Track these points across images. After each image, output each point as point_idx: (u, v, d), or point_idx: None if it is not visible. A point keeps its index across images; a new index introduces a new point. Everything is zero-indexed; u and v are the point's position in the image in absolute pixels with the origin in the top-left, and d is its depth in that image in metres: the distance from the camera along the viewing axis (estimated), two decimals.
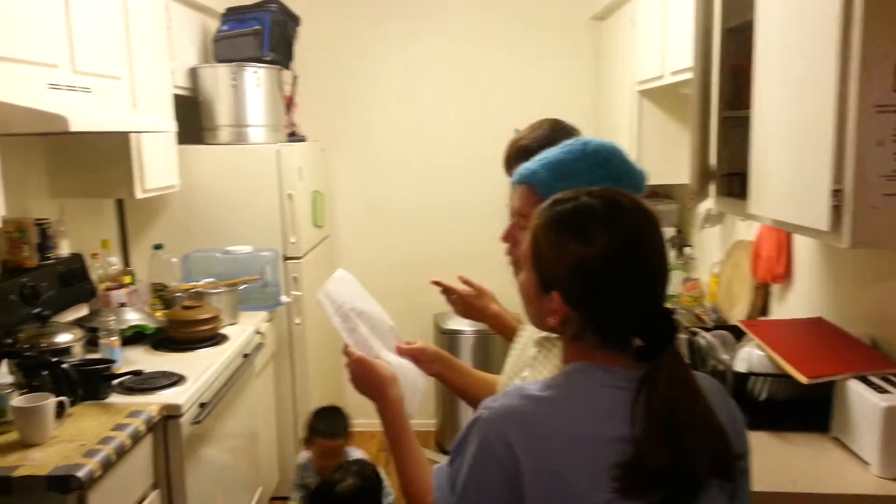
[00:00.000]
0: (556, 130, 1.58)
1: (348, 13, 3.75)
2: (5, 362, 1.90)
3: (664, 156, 2.96)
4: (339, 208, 3.89)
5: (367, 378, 1.22)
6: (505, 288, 1.81)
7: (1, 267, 2.30)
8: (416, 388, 1.29)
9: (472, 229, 3.88)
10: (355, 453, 2.77)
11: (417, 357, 1.38)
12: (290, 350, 3.09)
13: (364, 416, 3.72)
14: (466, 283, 1.74)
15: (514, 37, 3.79)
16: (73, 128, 1.83)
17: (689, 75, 2.35)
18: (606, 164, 1.16)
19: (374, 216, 3.93)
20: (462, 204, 3.88)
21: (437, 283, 1.75)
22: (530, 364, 1.24)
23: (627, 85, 3.12)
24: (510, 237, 1.24)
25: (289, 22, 3.29)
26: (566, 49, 3.80)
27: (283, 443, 3.13)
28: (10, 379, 1.80)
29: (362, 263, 3.88)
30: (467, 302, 1.73)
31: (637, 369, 0.91)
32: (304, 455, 2.78)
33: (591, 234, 0.91)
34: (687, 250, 3.18)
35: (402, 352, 1.36)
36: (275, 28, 3.12)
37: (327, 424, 2.71)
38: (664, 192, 3.44)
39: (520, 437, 0.88)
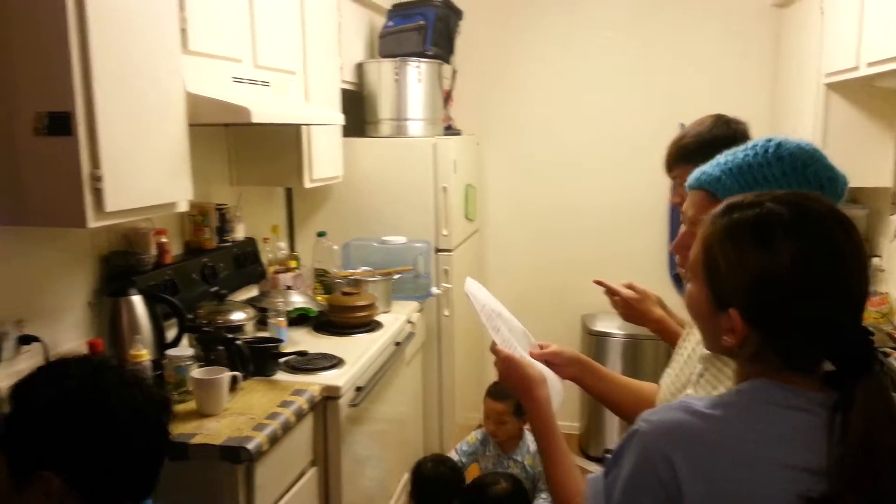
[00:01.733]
0: (718, 126, 1.46)
1: (506, 5, 3.73)
2: (187, 336, 2.07)
3: (853, 156, 2.67)
4: (490, 203, 3.89)
5: (515, 376, 1.20)
6: (661, 291, 1.73)
7: (184, 247, 2.51)
8: (556, 392, 1.25)
9: (626, 229, 3.74)
10: (531, 438, 2.79)
11: (552, 361, 1.34)
12: (439, 341, 3.13)
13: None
14: (630, 287, 1.66)
15: (681, 25, 3.58)
16: (255, 119, 1.94)
17: (892, 66, 2.09)
18: (804, 170, 1.02)
19: (524, 212, 3.89)
20: (617, 202, 3.74)
21: (599, 283, 1.68)
22: (695, 382, 1.15)
23: (813, 77, 2.84)
24: (683, 247, 1.12)
25: (451, 16, 3.32)
26: (741, 38, 3.53)
27: (428, 432, 3.18)
28: (190, 352, 1.95)
29: (510, 259, 3.86)
30: (630, 305, 1.65)
31: (822, 392, 0.82)
32: (479, 431, 2.88)
33: (776, 243, 0.82)
34: (875, 261, 2.86)
35: (535, 356, 1.32)
36: (438, 23, 3.15)
37: (496, 387, 2.77)
38: (850, 196, 3.11)
39: (683, 456, 0.82)
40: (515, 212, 3.90)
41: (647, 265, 3.68)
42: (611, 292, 1.67)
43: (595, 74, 3.71)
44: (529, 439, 2.82)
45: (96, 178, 1.62)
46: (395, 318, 2.70)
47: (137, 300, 1.96)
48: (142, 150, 1.77)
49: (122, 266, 2.09)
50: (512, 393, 1.22)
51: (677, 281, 3.54)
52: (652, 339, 3.21)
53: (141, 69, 1.75)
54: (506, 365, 1.21)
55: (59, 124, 1.59)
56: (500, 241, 3.91)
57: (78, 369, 1.00)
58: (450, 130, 3.40)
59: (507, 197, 3.89)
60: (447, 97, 3.40)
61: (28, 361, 1.80)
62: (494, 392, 2.80)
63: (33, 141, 1.63)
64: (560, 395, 1.29)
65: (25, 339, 1.80)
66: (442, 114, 3.31)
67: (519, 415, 2.77)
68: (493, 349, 1.24)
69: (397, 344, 2.59)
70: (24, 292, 1.83)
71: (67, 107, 1.58)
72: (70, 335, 1.96)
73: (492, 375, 3.09)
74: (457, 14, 3.37)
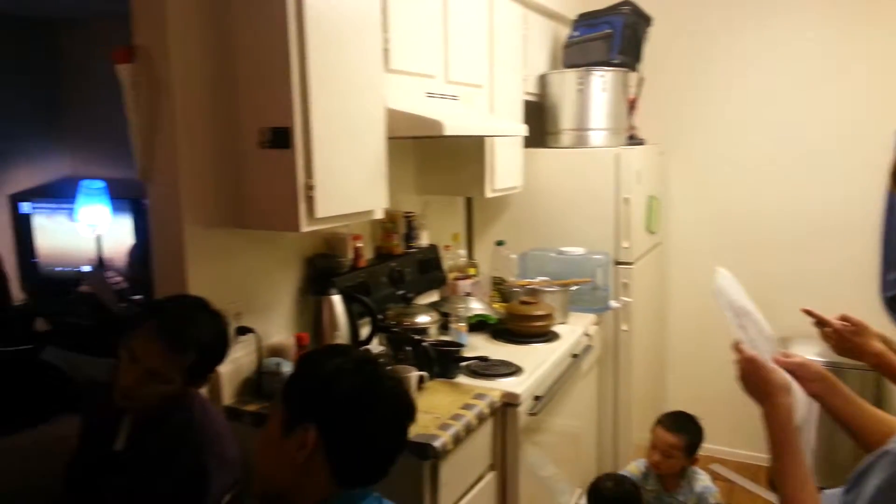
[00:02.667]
0: None
1: (698, 9, 3.57)
2: (378, 335, 2.21)
3: None
4: (673, 215, 3.73)
5: (757, 379, 1.16)
6: (868, 315, 1.56)
7: (375, 252, 2.67)
8: (799, 405, 1.17)
9: (827, 243, 3.42)
10: (701, 476, 2.66)
11: (796, 372, 1.24)
12: (615, 356, 3.06)
13: (727, 444, 3.60)
14: (844, 319, 1.52)
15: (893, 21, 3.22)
16: (446, 132, 2.03)
17: None
18: None
19: (711, 224, 3.68)
20: (817, 214, 3.43)
21: (808, 313, 1.56)
22: None
23: None
24: None
25: (640, 23, 3.24)
26: None
27: (602, 449, 3.12)
28: (381, 350, 2.08)
29: (695, 274, 3.68)
30: (843, 337, 1.51)
31: None
32: (638, 462, 2.78)
33: None
34: None
35: (780, 364, 1.23)
36: (625, 30, 3.10)
37: (673, 419, 2.67)
38: None
39: None
40: (701, 224, 3.71)
41: (852, 283, 3.33)
42: (821, 323, 1.55)
43: (793, 77, 3.43)
44: (696, 478, 2.65)
45: (309, 187, 1.78)
46: (573, 329, 2.68)
47: (337, 299, 2.12)
48: (347, 162, 1.92)
49: (323, 268, 2.27)
50: (749, 394, 1.18)
51: (891, 305, 3.17)
52: (858, 369, 2.89)
53: (349, 87, 1.91)
54: (749, 365, 1.18)
55: (280, 138, 1.77)
56: (685, 255, 3.74)
57: (356, 355, 1.18)
58: (633, 140, 3.32)
59: (693, 209, 3.72)
60: (632, 106, 3.32)
61: (244, 350, 2.02)
62: (668, 423, 2.66)
63: (257, 153, 1.83)
64: (803, 408, 1.21)
65: (242, 330, 2.02)
66: (625, 123, 3.24)
67: (690, 452, 2.63)
68: (736, 347, 1.22)
69: (574, 356, 2.56)
70: (243, 288, 2.05)
71: (288, 122, 1.76)
72: (278, 328, 2.17)
73: (669, 400, 2.97)
74: (646, 21, 3.28)
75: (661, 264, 3.66)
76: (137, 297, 3.63)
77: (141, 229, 4.48)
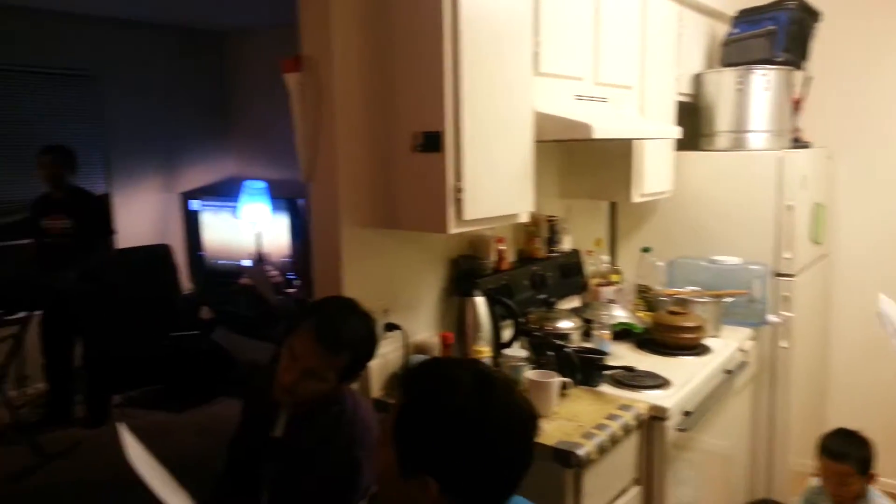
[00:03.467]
0: None
1: (870, 2, 3.24)
2: (520, 339, 2.20)
3: None
4: (842, 224, 3.42)
5: None
6: None
7: (517, 255, 2.67)
8: None
9: None
10: (876, 497, 2.42)
11: None
12: (773, 375, 2.85)
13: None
14: None
15: None
16: (596, 135, 1.98)
17: None
18: None
19: (883, 236, 3.34)
20: None
21: None
22: None
23: None
24: None
25: (807, 19, 3.00)
26: None
27: (755, 474, 2.91)
28: (523, 354, 2.07)
29: (863, 290, 3.35)
30: None
31: None
32: (817, 480, 2.56)
33: None
34: None
35: None
36: (791, 26, 2.88)
37: (836, 444, 2.44)
38: None
39: None
40: (874, 237, 3.36)
41: None
42: None
43: None
44: (876, 498, 2.41)
45: (458, 190, 1.81)
46: (726, 344, 2.53)
47: (480, 301, 2.14)
48: (495, 165, 1.93)
49: (467, 269, 2.30)
50: None
51: None
52: None
53: (499, 91, 1.92)
54: None
55: (432, 142, 1.82)
56: (853, 269, 3.41)
57: (465, 378, 1.04)
58: (798, 143, 3.08)
59: (864, 219, 3.38)
60: (797, 106, 3.08)
61: (392, 345, 2.09)
62: (833, 451, 2.41)
63: (409, 157, 1.89)
64: None
65: (389, 327, 2.09)
66: (789, 125, 3.02)
67: (864, 471, 2.39)
68: None
69: (727, 372, 2.42)
70: (391, 286, 2.12)
71: (439, 126, 1.79)
72: (423, 326, 2.22)
73: (830, 426, 2.71)
74: (813, 16, 3.04)
75: (826, 277, 3.37)
76: (291, 290, 3.87)
77: (297, 227, 4.77)
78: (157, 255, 5.00)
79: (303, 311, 1.68)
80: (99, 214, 4.07)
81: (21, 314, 3.93)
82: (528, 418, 1.08)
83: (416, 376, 1.11)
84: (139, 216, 5.07)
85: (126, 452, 1.36)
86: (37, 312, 3.90)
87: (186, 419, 4.13)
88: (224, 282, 5.03)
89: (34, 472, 3.44)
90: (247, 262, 4.87)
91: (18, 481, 3.34)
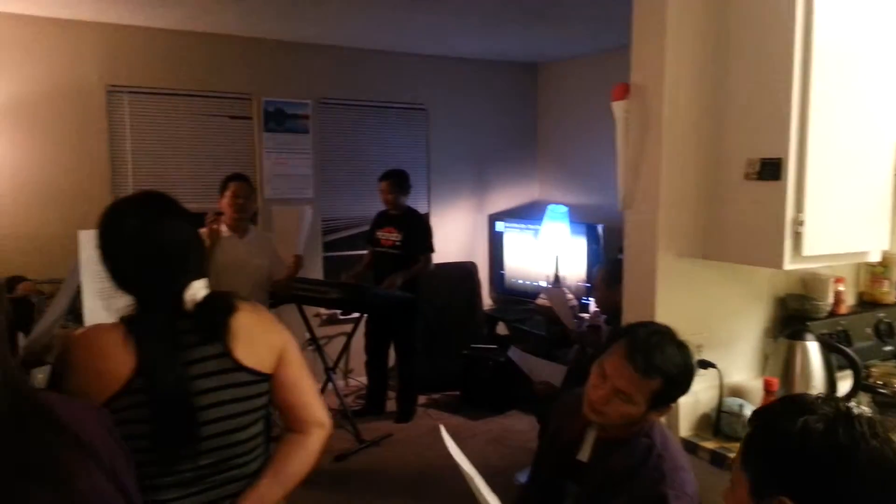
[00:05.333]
0: None
1: None
2: (860, 395, 1.91)
3: None
4: None
5: None
6: None
7: (857, 298, 2.33)
8: None
9: None
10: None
11: None
12: None
13: None
14: None
15: None
16: None
17: None
18: None
19: None
20: None
21: None
22: None
23: None
24: None
25: None
26: None
27: None
28: (868, 411, 1.79)
29: None
30: None
31: None
32: None
33: None
34: None
35: None
36: None
37: None
38: None
39: None
40: None
41: None
42: None
43: None
44: None
45: (798, 223, 1.65)
46: None
47: (813, 346, 1.91)
48: (843, 197, 1.73)
49: (797, 310, 2.08)
50: None
51: None
52: None
53: (855, 119, 1.71)
54: None
55: (770, 170, 1.68)
56: None
57: (823, 409, 1.01)
58: None
59: None
60: None
61: (704, 384, 1.96)
62: None
63: (741, 185, 1.77)
64: None
65: (703, 364, 1.97)
66: None
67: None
68: None
69: None
70: (706, 320, 2.00)
71: (781, 153, 1.65)
72: (740, 367, 2.06)
73: None
74: None
75: None
76: (586, 314, 3.88)
77: (594, 252, 4.79)
78: (465, 271, 5.41)
79: (617, 331, 1.67)
80: (425, 232, 4.54)
81: (354, 315, 4.56)
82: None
83: (768, 408, 1.15)
84: (452, 234, 5.53)
85: (450, 449, 1.48)
86: (364, 315, 4.48)
87: (481, 427, 4.37)
88: (520, 300, 5.26)
89: (355, 454, 3.93)
90: (543, 284, 5.02)
91: (343, 459, 3.85)
